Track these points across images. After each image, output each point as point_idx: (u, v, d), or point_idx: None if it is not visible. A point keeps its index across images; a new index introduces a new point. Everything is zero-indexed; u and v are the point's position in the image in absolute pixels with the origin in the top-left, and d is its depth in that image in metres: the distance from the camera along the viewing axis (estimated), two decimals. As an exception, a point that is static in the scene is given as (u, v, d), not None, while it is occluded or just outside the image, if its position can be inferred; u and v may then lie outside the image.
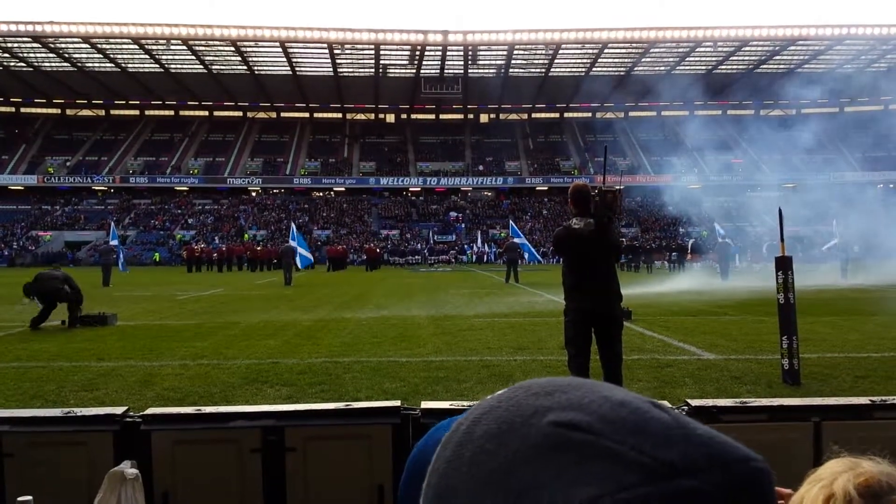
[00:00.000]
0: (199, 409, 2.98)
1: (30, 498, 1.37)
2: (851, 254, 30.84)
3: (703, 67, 68.21)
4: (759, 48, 64.29)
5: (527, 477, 0.44)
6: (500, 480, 0.45)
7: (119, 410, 2.90)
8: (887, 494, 0.98)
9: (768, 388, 7.35)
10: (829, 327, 12.20)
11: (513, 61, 67.13)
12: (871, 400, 2.96)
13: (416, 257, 58.68)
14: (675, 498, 0.41)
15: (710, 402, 2.98)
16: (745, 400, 3.03)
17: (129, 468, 2.50)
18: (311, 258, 34.06)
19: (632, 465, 0.43)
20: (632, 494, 0.41)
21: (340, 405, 2.99)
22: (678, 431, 0.45)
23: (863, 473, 1.02)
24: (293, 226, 33.44)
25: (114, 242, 32.44)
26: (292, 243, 31.02)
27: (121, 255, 33.11)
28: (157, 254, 60.11)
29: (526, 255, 32.01)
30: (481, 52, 66.01)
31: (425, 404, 2.94)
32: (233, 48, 62.94)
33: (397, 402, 2.97)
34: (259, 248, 48.92)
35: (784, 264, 7.55)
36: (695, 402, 2.95)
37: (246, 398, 7.05)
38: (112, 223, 39.01)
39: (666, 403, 0.52)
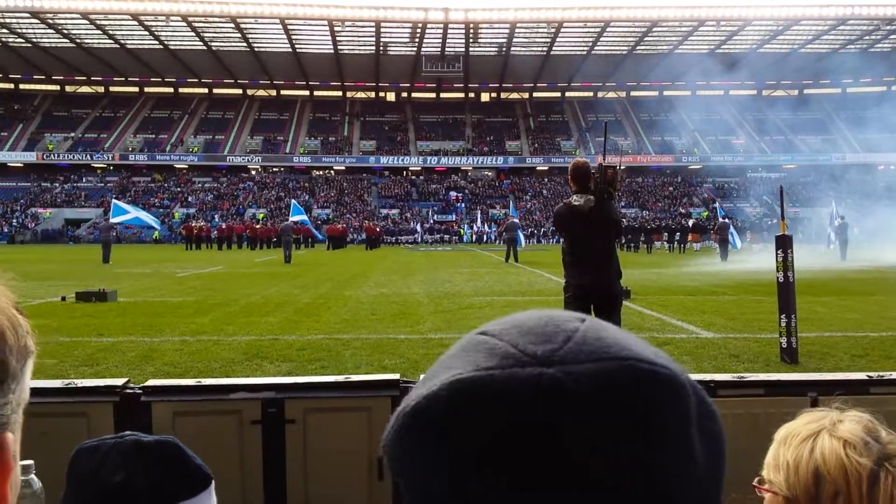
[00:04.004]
0: (200, 381, 2.99)
1: (31, 462, 1.38)
2: (851, 235, 30.82)
3: (706, 47, 67.79)
4: (763, 28, 63.86)
5: (438, 367, 0.52)
6: (429, 371, 0.53)
7: (119, 382, 2.91)
8: (880, 434, 1.08)
9: (766, 365, 7.38)
10: (828, 307, 12.22)
11: (514, 40, 66.72)
12: (868, 375, 2.97)
13: (411, 237, 58.61)
14: (516, 381, 0.46)
15: (707, 376, 2.99)
16: (742, 375, 3.04)
17: (130, 438, 2.52)
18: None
19: (496, 354, 0.49)
20: (482, 374, 0.47)
21: (340, 378, 3.00)
22: (570, 334, 0.50)
23: (861, 420, 1.10)
24: (293, 202, 33.37)
25: (118, 218, 31.71)
26: (296, 218, 30.99)
27: (144, 221, 32.08)
28: (156, 231, 60.03)
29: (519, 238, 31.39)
30: (482, 31, 65.59)
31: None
32: (232, 25, 62.51)
33: (396, 375, 2.98)
34: (258, 227, 48.87)
35: (784, 243, 7.56)
36: (692, 378, 2.96)
37: (246, 374, 7.08)
38: (114, 200, 38.82)
39: (609, 325, 0.54)
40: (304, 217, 33.16)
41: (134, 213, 29.89)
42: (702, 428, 0.50)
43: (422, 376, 0.54)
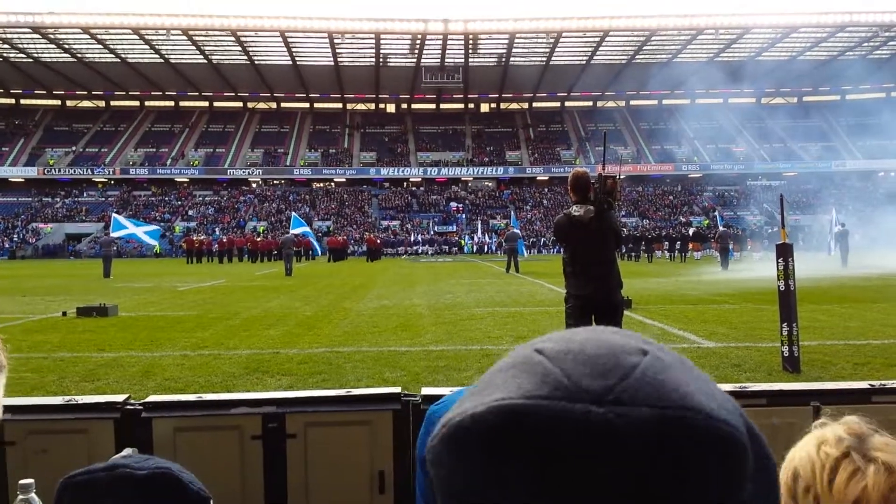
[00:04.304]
0: (200, 397, 2.99)
1: (31, 481, 1.38)
2: (852, 242, 30.79)
3: (705, 55, 67.98)
4: (761, 36, 64.00)
5: (488, 381, 0.50)
6: (480, 383, 0.51)
7: (120, 398, 2.91)
8: (869, 436, 1.10)
9: (768, 375, 7.36)
10: (830, 315, 12.20)
11: (514, 50, 66.89)
12: (869, 384, 2.97)
13: (411, 248, 58.59)
14: (565, 416, 0.44)
15: None
16: (744, 385, 3.04)
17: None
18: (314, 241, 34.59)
19: (548, 382, 0.46)
20: (530, 402, 0.45)
21: (341, 392, 3.00)
22: (628, 371, 0.47)
23: (847, 421, 1.14)
24: (294, 214, 33.33)
25: (118, 233, 32.02)
26: (296, 231, 30.96)
27: (141, 238, 33.22)
28: (157, 245, 60.05)
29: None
30: (482, 41, 65.78)
31: (426, 390, 2.95)
32: (233, 38, 62.75)
33: (398, 389, 2.98)
34: (259, 240, 48.92)
35: (785, 251, 7.55)
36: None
37: (247, 388, 7.06)
38: (114, 214, 38.93)
39: (672, 358, 0.50)
40: (307, 229, 33.08)
41: (132, 228, 29.91)
42: (756, 479, 0.49)
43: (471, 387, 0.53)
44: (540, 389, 0.46)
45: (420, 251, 58.43)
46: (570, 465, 0.44)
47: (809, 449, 1.10)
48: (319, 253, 39.36)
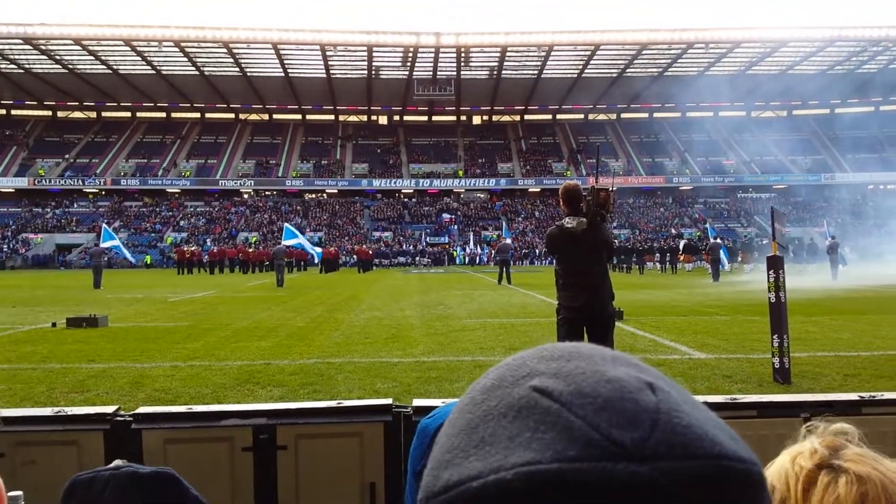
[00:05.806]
0: (191, 408, 2.97)
1: (20, 493, 1.37)
2: (842, 254, 30.95)
3: (695, 69, 68.41)
4: (751, 50, 64.48)
5: (489, 430, 0.45)
6: (472, 429, 0.46)
7: (110, 409, 2.89)
8: (843, 448, 1.10)
9: (759, 386, 7.38)
10: (820, 326, 12.24)
11: (505, 63, 67.18)
12: (859, 396, 2.98)
13: (403, 259, 58.69)
14: (608, 479, 0.41)
15: (699, 398, 2.98)
16: (734, 396, 3.04)
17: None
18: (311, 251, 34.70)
19: (578, 440, 0.42)
20: (565, 466, 0.41)
21: (332, 403, 2.98)
22: (653, 416, 0.44)
23: (826, 433, 1.15)
24: (287, 225, 33.20)
25: (107, 244, 32.31)
26: (288, 242, 30.92)
27: (123, 252, 35.48)
28: (148, 256, 59.91)
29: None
30: (474, 54, 66.05)
31: (417, 402, 2.94)
32: (225, 50, 62.80)
33: (389, 400, 2.97)
34: (251, 251, 48.84)
35: (775, 263, 7.59)
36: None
37: (237, 399, 7.03)
38: (104, 225, 39.01)
39: (671, 387, 0.50)
40: (299, 241, 32.89)
41: (117, 241, 30.40)
42: None
43: (450, 423, 0.49)
44: (570, 448, 0.42)
45: (412, 262, 58.46)
46: None
47: (785, 461, 1.11)
48: (318, 259, 39.48)
